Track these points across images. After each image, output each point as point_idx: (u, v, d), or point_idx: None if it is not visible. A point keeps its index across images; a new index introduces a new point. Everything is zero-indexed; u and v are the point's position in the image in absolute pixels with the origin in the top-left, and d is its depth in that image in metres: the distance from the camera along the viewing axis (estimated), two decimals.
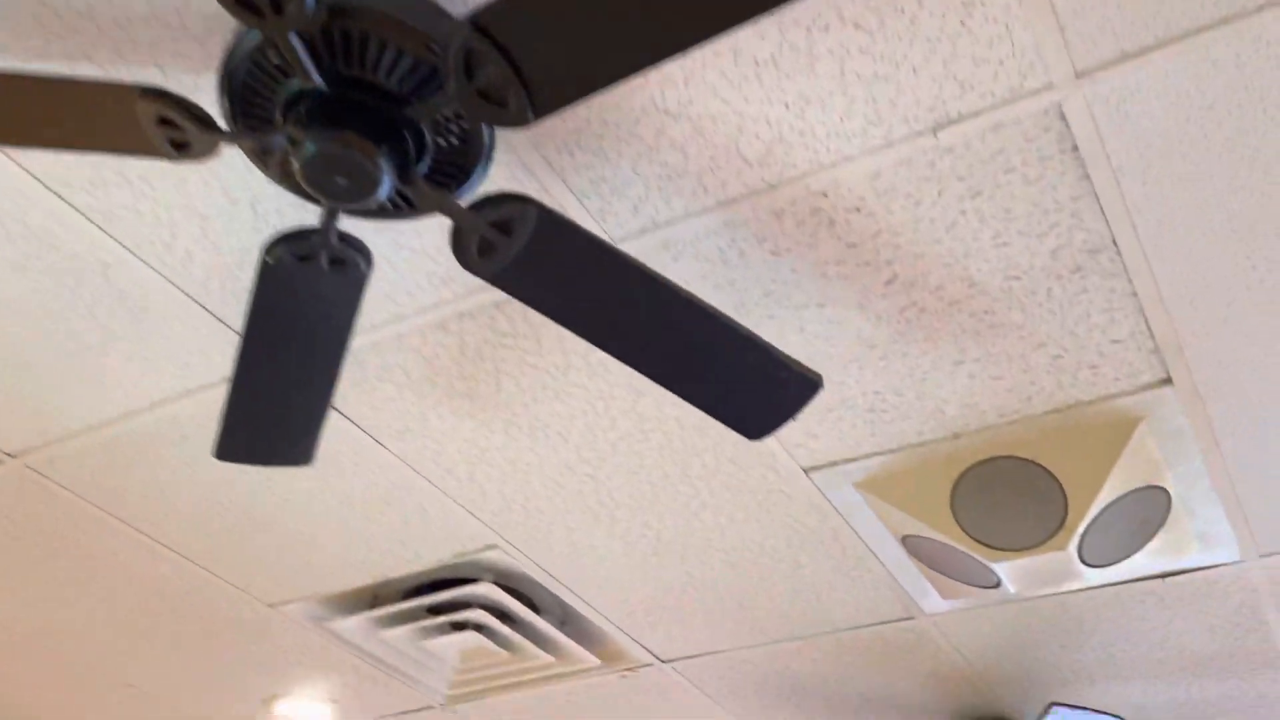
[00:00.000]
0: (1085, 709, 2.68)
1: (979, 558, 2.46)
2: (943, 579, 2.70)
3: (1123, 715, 2.80)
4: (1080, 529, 2.36)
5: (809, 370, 1.77)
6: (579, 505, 2.58)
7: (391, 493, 2.57)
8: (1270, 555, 2.59)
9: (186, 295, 2.04)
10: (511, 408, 2.30)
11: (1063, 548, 2.38)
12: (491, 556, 2.80)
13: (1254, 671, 3.07)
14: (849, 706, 3.41)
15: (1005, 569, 2.46)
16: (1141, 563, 2.55)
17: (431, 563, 2.82)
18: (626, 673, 3.31)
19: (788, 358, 1.75)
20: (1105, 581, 2.72)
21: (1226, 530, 2.51)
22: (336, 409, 2.32)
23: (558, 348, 2.14)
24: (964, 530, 2.44)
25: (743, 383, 1.79)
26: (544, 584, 2.92)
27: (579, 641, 3.18)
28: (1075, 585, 2.61)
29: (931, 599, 2.85)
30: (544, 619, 3.04)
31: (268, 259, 1.61)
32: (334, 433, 2.39)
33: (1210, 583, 2.70)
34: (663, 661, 3.25)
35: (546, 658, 3.16)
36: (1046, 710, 2.71)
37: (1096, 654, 3.04)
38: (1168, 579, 2.69)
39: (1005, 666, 3.14)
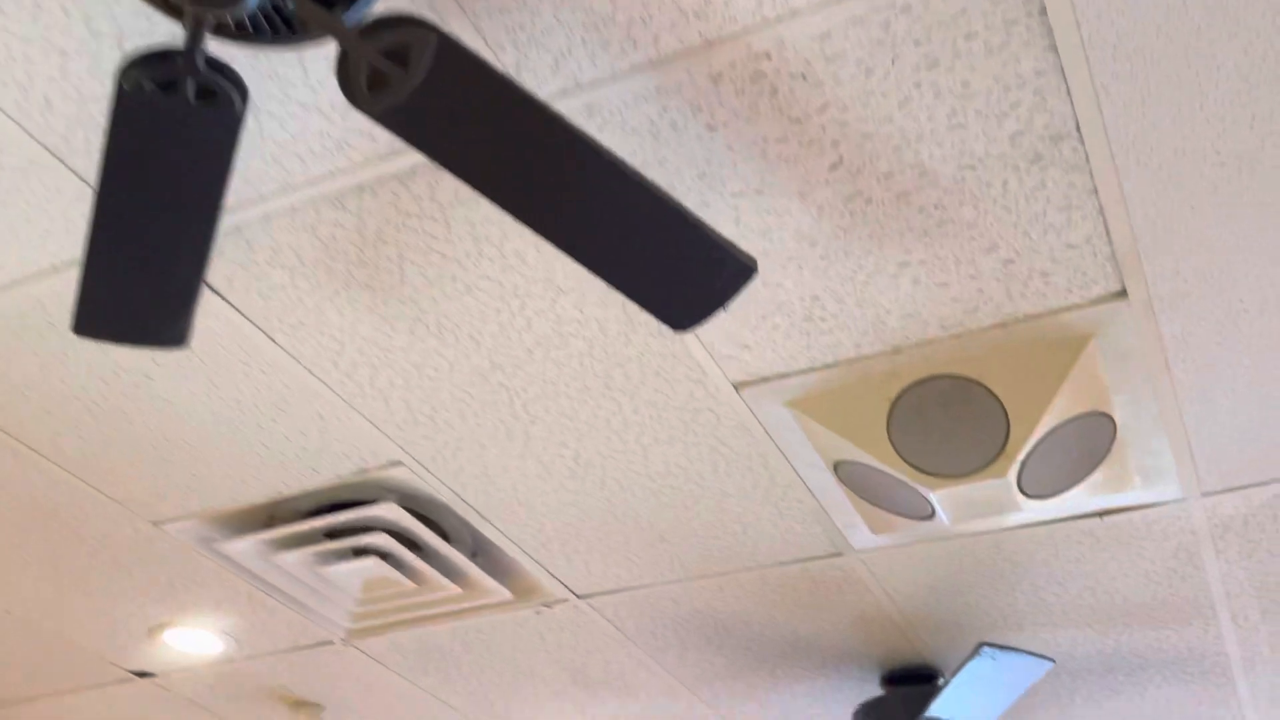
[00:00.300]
0: (1014, 649, 2.57)
1: (914, 485, 2.32)
2: (874, 511, 2.57)
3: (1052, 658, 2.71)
4: (1021, 455, 2.22)
5: (743, 253, 1.60)
6: (491, 419, 2.40)
7: (285, 398, 2.36)
8: (1212, 495, 2.49)
9: (45, 148, 1.80)
10: (418, 303, 2.10)
11: (1002, 475, 2.25)
12: (396, 475, 2.60)
13: (1186, 623, 2.99)
14: (773, 650, 3.28)
15: (941, 498, 2.33)
16: (1081, 497, 2.44)
17: (331, 479, 2.61)
18: (541, 608, 3.14)
19: (721, 236, 1.57)
20: (1042, 518, 2.61)
21: (1170, 465, 2.40)
22: (222, 296, 2.10)
23: (468, 233, 1.94)
24: (900, 455, 2.30)
25: (670, 262, 1.61)
26: (453, 508, 2.73)
27: (491, 573, 3.00)
28: (1013, 517, 2.49)
29: (861, 534, 2.71)
30: (453, 548, 2.85)
31: (123, 84, 1.39)
32: (220, 325, 2.17)
33: (1149, 523, 2.60)
34: (579, 597, 3.08)
35: (454, 589, 2.98)
36: (975, 651, 2.59)
37: (1027, 598, 2.94)
38: (1106, 517, 2.59)
39: (934, 611, 3.03)
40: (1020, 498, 2.33)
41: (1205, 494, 2.49)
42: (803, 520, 2.68)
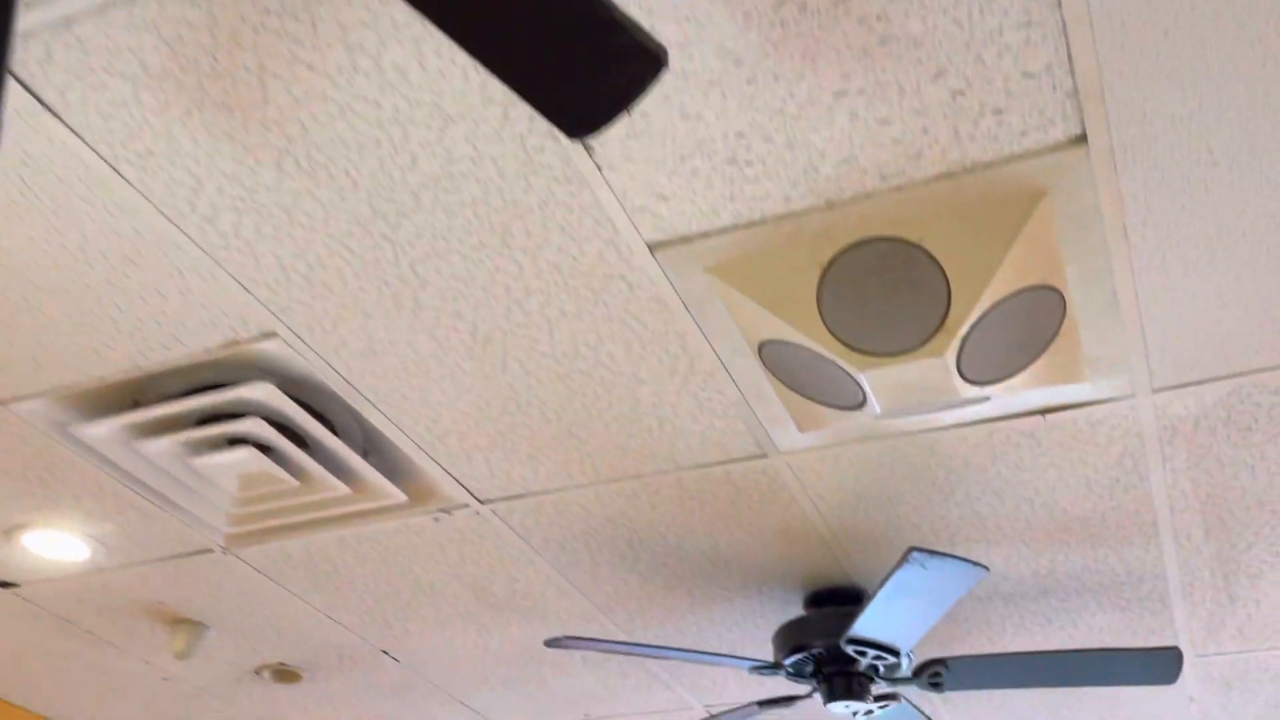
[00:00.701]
0: (945, 554, 2.38)
1: (845, 366, 2.10)
2: (801, 403, 2.34)
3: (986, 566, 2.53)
4: (962, 331, 2.01)
5: (652, 40, 1.34)
6: (375, 281, 2.13)
7: (138, 248, 2.06)
8: (1163, 391, 2.31)
9: None
10: (284, 128, 1.81)
11: (940, 354, 2.04)
12: (272, 351, 2.32)
13: (1126, 541, 2.83)
14: (691, 568, 3.06)
15: (873, 380, 2.11)
16: (1023, 390, 2.23)
17: (197, 352, 2.33)
18: (439, 514, 2.89)
19: (628, 19, 1.32)
20: (980, 416, 2.41)
21: (1121, 354, 2.21)
22: (54, 112, 1.80)
23: (338, 39, 1.67)
24: (830, 331, 2.07)
25: (564, 49, 1.35)
26: (340, 395, 2.46)
27: (384, 474, 2.74)
28: (948, 414, 2.28)
29: (788, 432, 2.50)
30: (341, 442, 2.58)
31: None
32: (56, 150, 1.87)
33: (1094, 424, 2.41)
34: (481, 502, 2.83)
35: (343, 489, 2.71)
36: (904, 557, 2.40)
37: (961, 510, 2.75)
38: (1049, 416, 2.39)
39: (862, 524, 2.83)
40: (959, 382, 2.12)
41: (1156, 390, 2.30)
42: (724, 414, 2.45)
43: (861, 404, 2.23)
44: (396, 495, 2.77)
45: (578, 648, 2.84)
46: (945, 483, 2.64)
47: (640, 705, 3.95)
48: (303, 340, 2.29)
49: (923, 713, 3.26)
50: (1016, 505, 2.72)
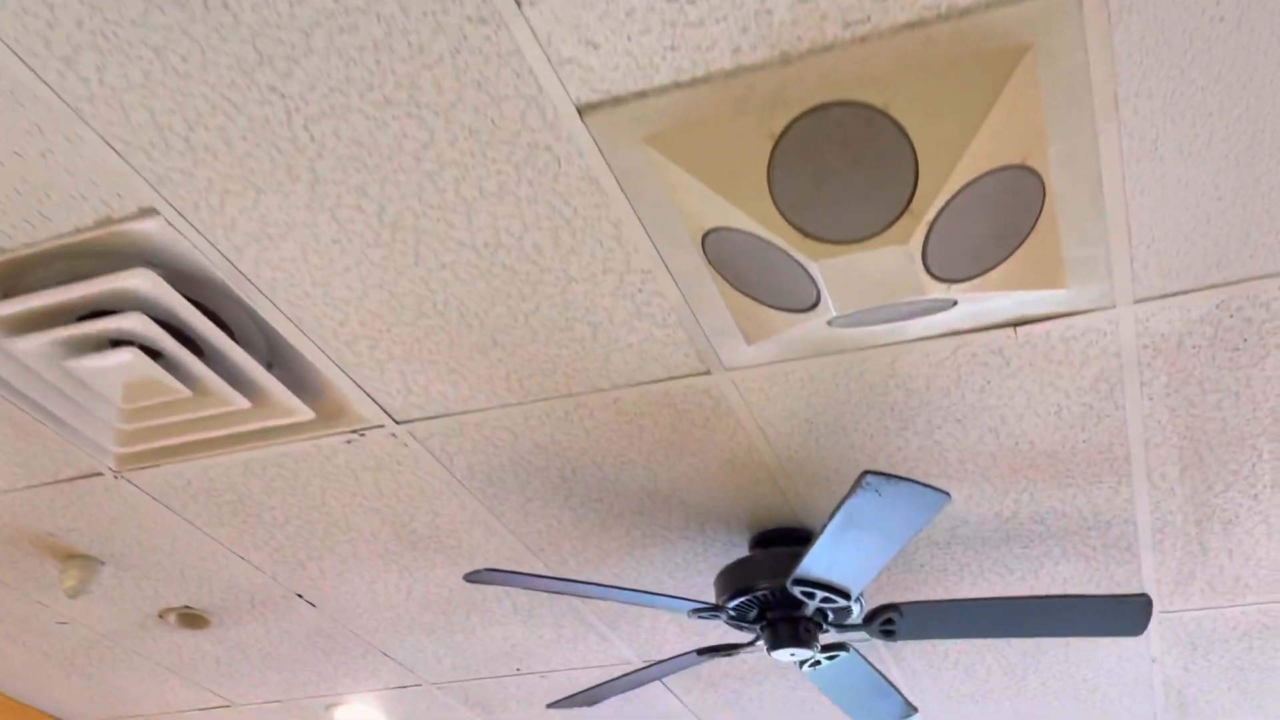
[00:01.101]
0: (904, 479, 2.16)
1: (798, 256, 1.87)
2: (748, 306, 2.11)
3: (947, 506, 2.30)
4: (929, 216, 1.78)
5: None
6: (265, 144, 1.86)
7: None
8: (1147, 301, 2.10)
9: None
10: None
11: (904, 241, 1.81)
12: (153, 233, 2.05)
13: (1095, 479, 2.63)
14: (628, 504, 2.82)
15: (829, 273, 1.88)
16: (994, 294, 2.01)
17: (66, 231, 2.04)
18: (352, 436, 2.63)
19: None
20: (945, 329, 2.19)
21: (1102, 256, 1.99)
22: None
23: None
24: (782, 214, 1.84)
25: None
26: (234, 291, 2.18)
27: (289, 388, 2.47)
28: (912, 312, 2.05)
29: (734, 345, 2.26)
30: (239, 348, 2.31)
31: None
32: None
33: (1069, 340, 2.20)
34: (397, 423, 2.57)
35: (243, 403, 2.44)
36: (858, 483, 2.17)
37: (921, 441, 2.53)
38: (1021, 329, 2.17)
39: (814, 455, 2.60)
40: (924, 278, 1.90)
41: (1139, 300, 2.09)
42: (664, 322, 2.21)
43: (815, 304, 2.00)
44: (303, 412, 2.51)
45: (500, 582, 2.60)
46: (904, 408, 2.42)
47: (575, 658, 3.71)
48: (187, 220, 2.01)
49: (872, 665, 3.05)
50: (980, 436, 2.50)
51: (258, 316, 2.27)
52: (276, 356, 2.42)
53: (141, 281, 2.13)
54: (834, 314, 1.99)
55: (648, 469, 2.69)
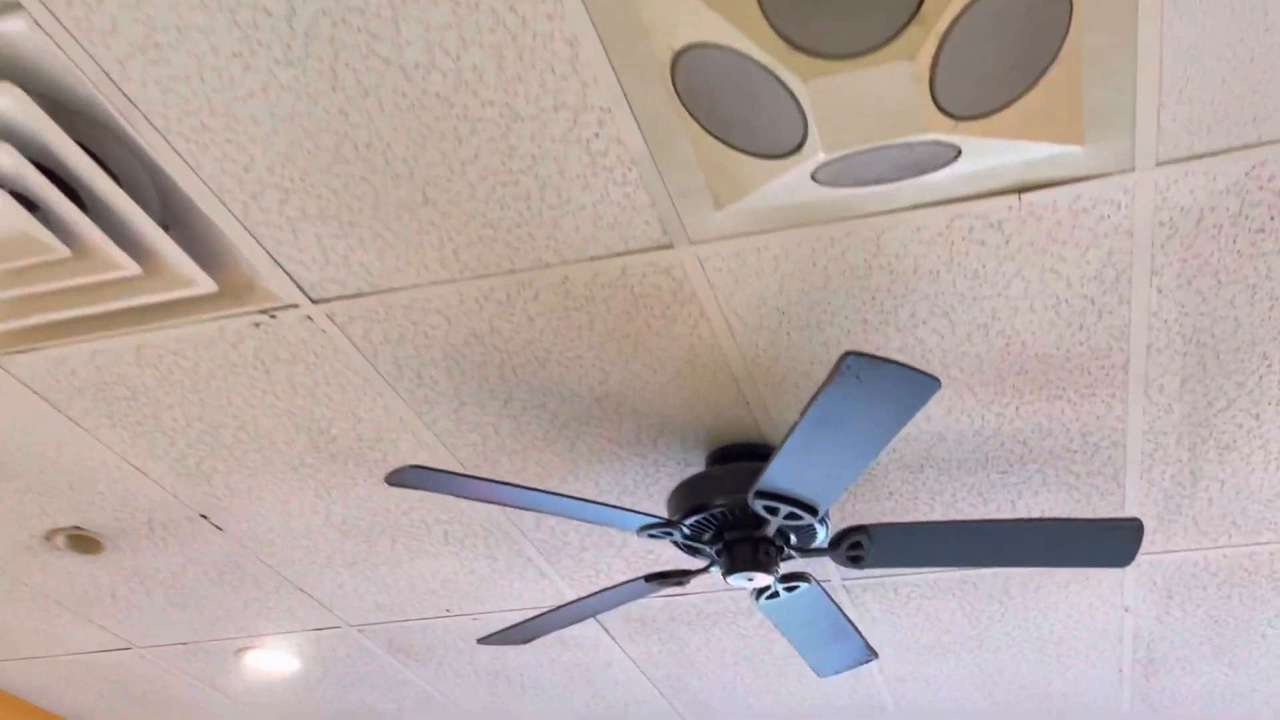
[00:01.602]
0: (891, 361, 1.90)
1: (785, 77, 1.59)
2: (721, 154, 1.83)
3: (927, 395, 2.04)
4: (941, 26, 1.52)
5: None
6: None
7: None
8: (1171, 164, 1.85)
9: None
10: None
11: (911, 56, 1.54)
12: (18, 36, 1.71)
13: (1088, 391, 2.39)
14: (575, 409, 2.54)
15: (819, 98, 1.61)
16: (1003, 143, 1.75)
17: None
18: (261, 318, 2.31)
19: None
20: (941, 195, 1.92)
21: (1129, 105, 1.74)
22: None
23: None
24: (768, 20, 1.56)
25: None
26: (120, 124, 1.86)
27: (188, 254, 2.14)
28: (914, 161, 1.78)
29: (702, 211, 1.98)
30: (127, 197, 1.99)
31: None
32: None
33: (1078, 213, 1.95)
34: (314, 302, 2.26)
35: (132, 267, 2.11)
36: (838, 366, 1.91)
37: (902, 339, 2.28)
38: (1026, 195, 1.92)
39: (784, 356, 2.34)
40: (929, 108, 1.63)
41: (1162, 162, 1.85)
42: (624, 179, 1.92)
43: (799, 146, 1.73)
44: (204, 283, 2.18)
45: (427, 485, 2.29)
46: (887, 297, 2.16)
47: (510, 598, 3.42)
48: (58, 19, 1.69)
49: (833, 601, 2.80)
50: (969, 334, 2.25)
51: (148, 159, 1.95)
52: (172, 215, 2.09)
53: (7, 101, 1.80)
54: (821, 158, 1.72)
55: (598, 368, 2.40)
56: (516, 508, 2.41)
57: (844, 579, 3.25)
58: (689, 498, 2.51)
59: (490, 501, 2.36)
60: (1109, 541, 2.45)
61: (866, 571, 3.21)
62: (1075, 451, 2.60)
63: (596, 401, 2.52)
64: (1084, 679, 3.78)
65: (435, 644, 3.77)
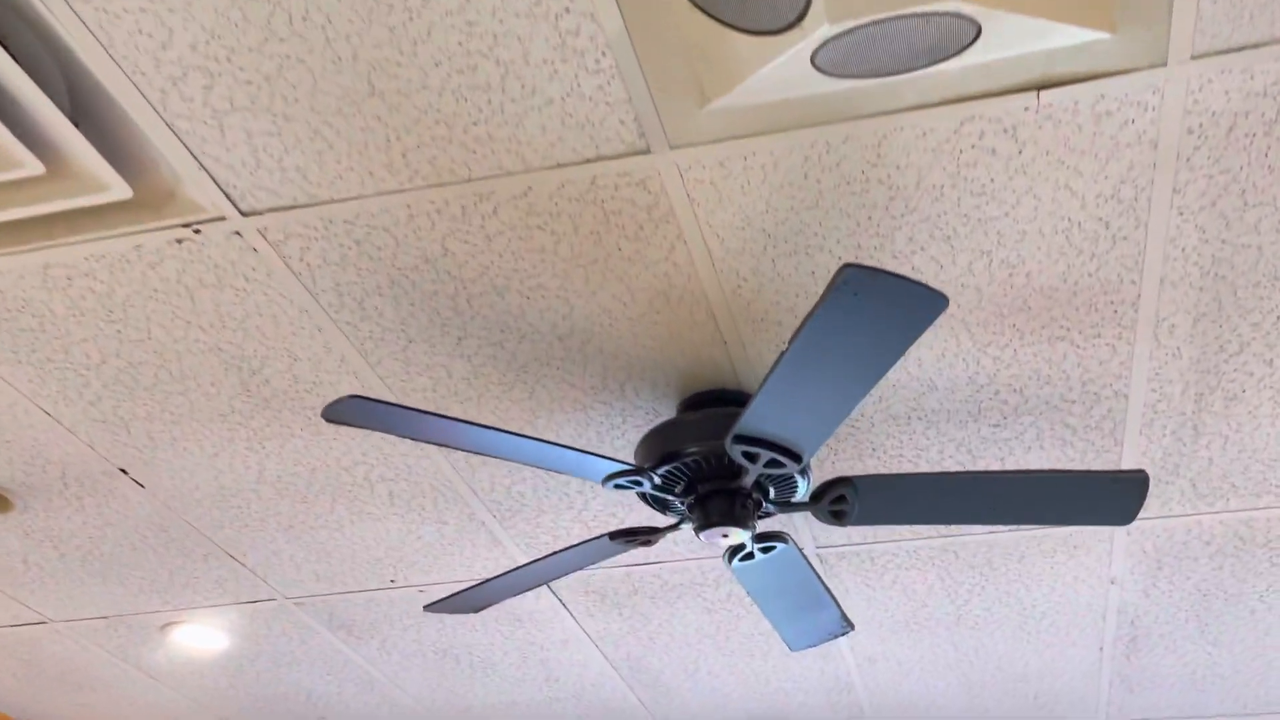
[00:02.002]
0: (893, 275, 1.70)
1: None
2: (712, 33, 1.61)
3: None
4: None
5: None
6: None
7: None
8: (1206, 58, 1.67)
9: None
10: None
11: None
12: None
13: (1094, 331, 2.21)
14: (535, 348, 2.31)
15: None
16: (1030, 20, 1.55)
17: None
18: (183, 232, 2.05)
19: None
20: (950, 92, 1.72)
21: None
22: None
23: None
24: None
25: None
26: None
27: (104, 154, 1.89)
28: (924, 34, 1.58)
29: (686, 110, 1.76)
30: (28, 78, 1.73)
31: None
32: None
33: (1101, 116, 1.76)
34: (243, 214, 2.01)
35: (34, 165, 1.85)
36: (835, 280, 1.71)
37: (899, 268, 2.08)
38: (1045, 93, 1.73)
39: (766, 288, 2.13)
40: None
41: (1198, 56, 1.66)
42: (597, 65, 1.70)
43: (799, 18, 1.52)
44: (118, 187, 1.93)
45: (368, 421, 2.05)
46: (885, 217, 1.96)
47: (460, 567, 3.18)
48: None
49: (811, 565, 2.60)
50: (970, 262, 2.06)
51: (50, 32, 1.69)
52: (80, 107, 1.84)
53: None
54: (825, 32, 1.51)
55: (562, 299, 2.18)
56: (471, 451, 2.17)
57: (819, 547, 3.06)
58: (660, 445, 2.29)
59: (441, 443, 2.12)
60: (1111, 496, 2.26)
61: (843, 539, 3.01)
62: (1074, 402, 2.42)
63: (560, 340, 2.29)
64: (1063, 658, 3.62)
65: (379, 619, 3.51)
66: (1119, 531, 2.92)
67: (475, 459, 2.70)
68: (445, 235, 2.04)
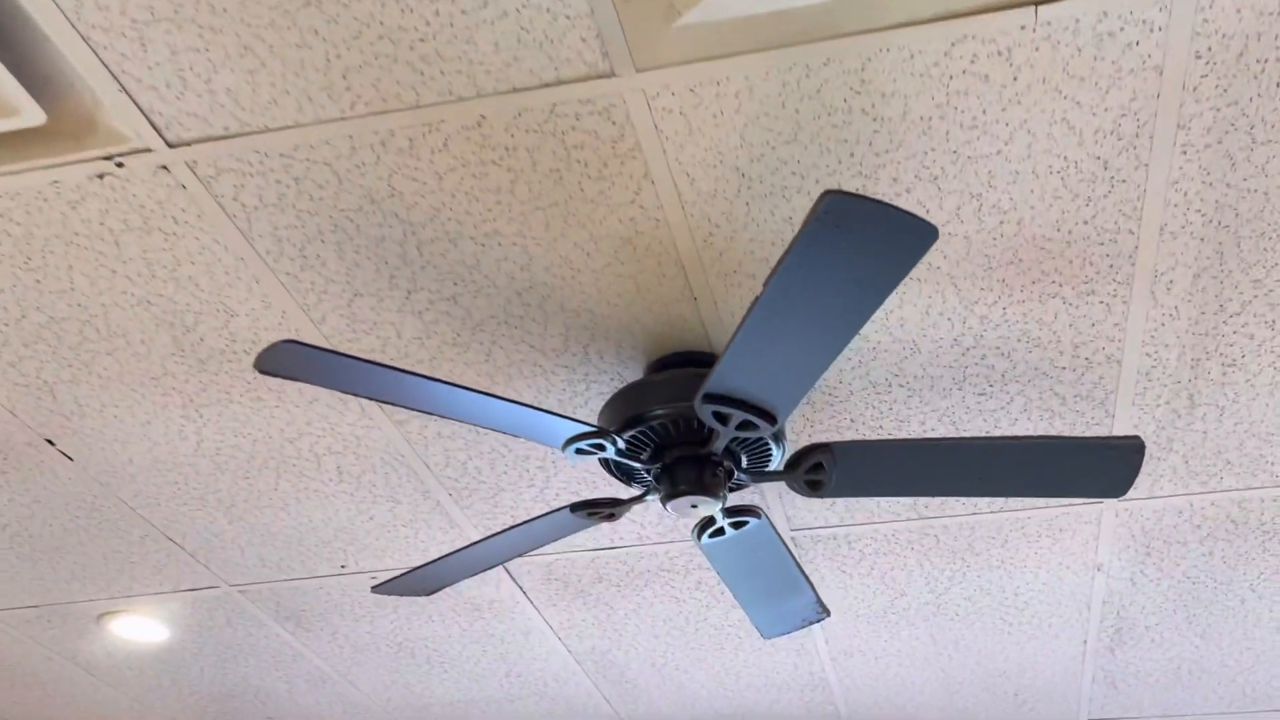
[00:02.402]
0: (878, 202, 1.56)
1: None
2: None
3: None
4: None
5: None
6: None
7: None
8: None
9: None
10: None
11: None
12: None
13: (1088, 287, 2.08)
14: (490, 303, 2.15)
15: None
16: None
17: None
18: (104, 165, 1.88)
19: None
20: (939, 8, 1.59)
21: None
22: None
23: None
24: None
25: None
26: None
27: (12, 73, 1.71)
28: None
29: (653, 24, 1.61)
30: None
31: None
32: None
33: (1103, 37, 1.62)
34: (170, 145, 1.84)
35: None
36: (818, 206, 1.56)
37: None
38: (1044, 8, 1.59)
39: (740, 234, 1.98)
40: None
41: None
42: None
43: None
44: (29, 111, 1.75)
45: (306, 373, 1.87)
46: (868, 153, 1.82)
47: (414, 551, 3.00)
48: None
49: (784, 543, 2.45)
50: (958, 207, 1.92)
51: None
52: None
53: None
54: None
55: (520, 248, 2.02)
56: (419, 410, 2.00)
57: (793, 530, 2.90)
58: (625, 408, 2.14)
59: (387, 400, 1.95)
60: (1105, 464, 2.12)
61: (817, 522, 2.86)
62: (1064, 369, 2.29)
63: (518, 294, 2.13)
64: (1045, 651, 3.48)
65: (329, 609, 3.33)
66: (1106, 513, 2.79)
67: (429, 430, 2.53)
68: (392, 171, 1.87)
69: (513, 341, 2.25)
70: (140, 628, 3.40)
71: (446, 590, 3.21)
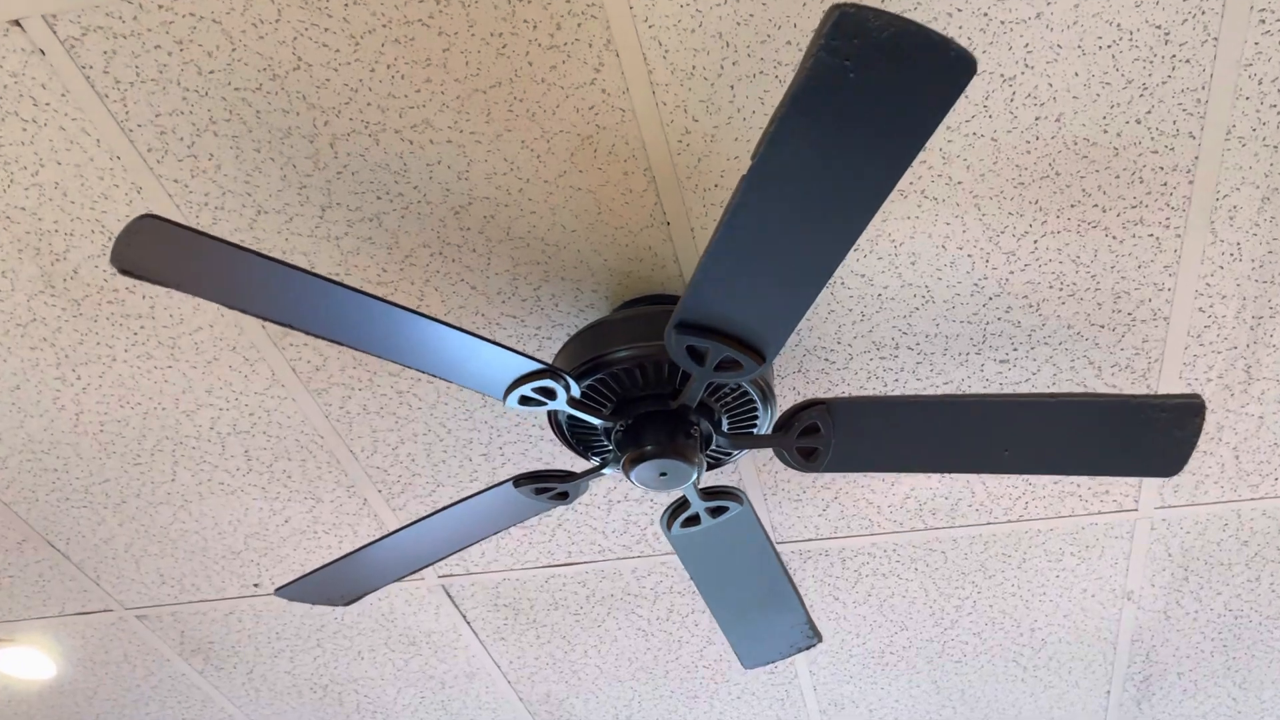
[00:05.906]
0: (903, 19, 1.23)
1: None
2: None
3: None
4: None
5: None
6: None
7: None
8: None
9: None
10: None
11: None
12: None
13: (1135, 213, 1.74)
14: (422, 233, 1.78)
15: None
16: None
17: None
18: None
19: None
20: None
21: None
22: None
23: None
24: None
25: None
26: None
27: None
28: None
29: None
30: None
31: None
32: None
33: None
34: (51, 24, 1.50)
35: None
36: (823, 24, 1.23)
37: None
38: None
39: (723, 130, 1.64)
40: None
41: None
42: None
43: None
44: None
45: (170, 270, 1.49)
46: None
47: (335, 543, 2.58)
48: None
49: (770, 540, 2.06)
50: (988, 93, 1.58)
51: None
52: None
53: None
54: None
55: (457, 147, 1.67)
56: (324, 337, 1.61)
57: (778, 542, 2.51)
58: (581, 350, 1.77)
59: (285, 321, 1.56)
60: (1156, 429, 1.76)
61: (806, 532, 2.47)
62: (1101, 328, 1.94)
63: (454, 214, 1.77)
64: (1063, 704, 3.06)
65: (241, 639, 2.87)
66: (1140, 525, 2.41)
67: (352, 402, 2.14)
68: (296, 33, 1.53)
69: (449, 281, 1.88)
70: (22, 661, 2.93)
71: (377, 619, 2.78)
